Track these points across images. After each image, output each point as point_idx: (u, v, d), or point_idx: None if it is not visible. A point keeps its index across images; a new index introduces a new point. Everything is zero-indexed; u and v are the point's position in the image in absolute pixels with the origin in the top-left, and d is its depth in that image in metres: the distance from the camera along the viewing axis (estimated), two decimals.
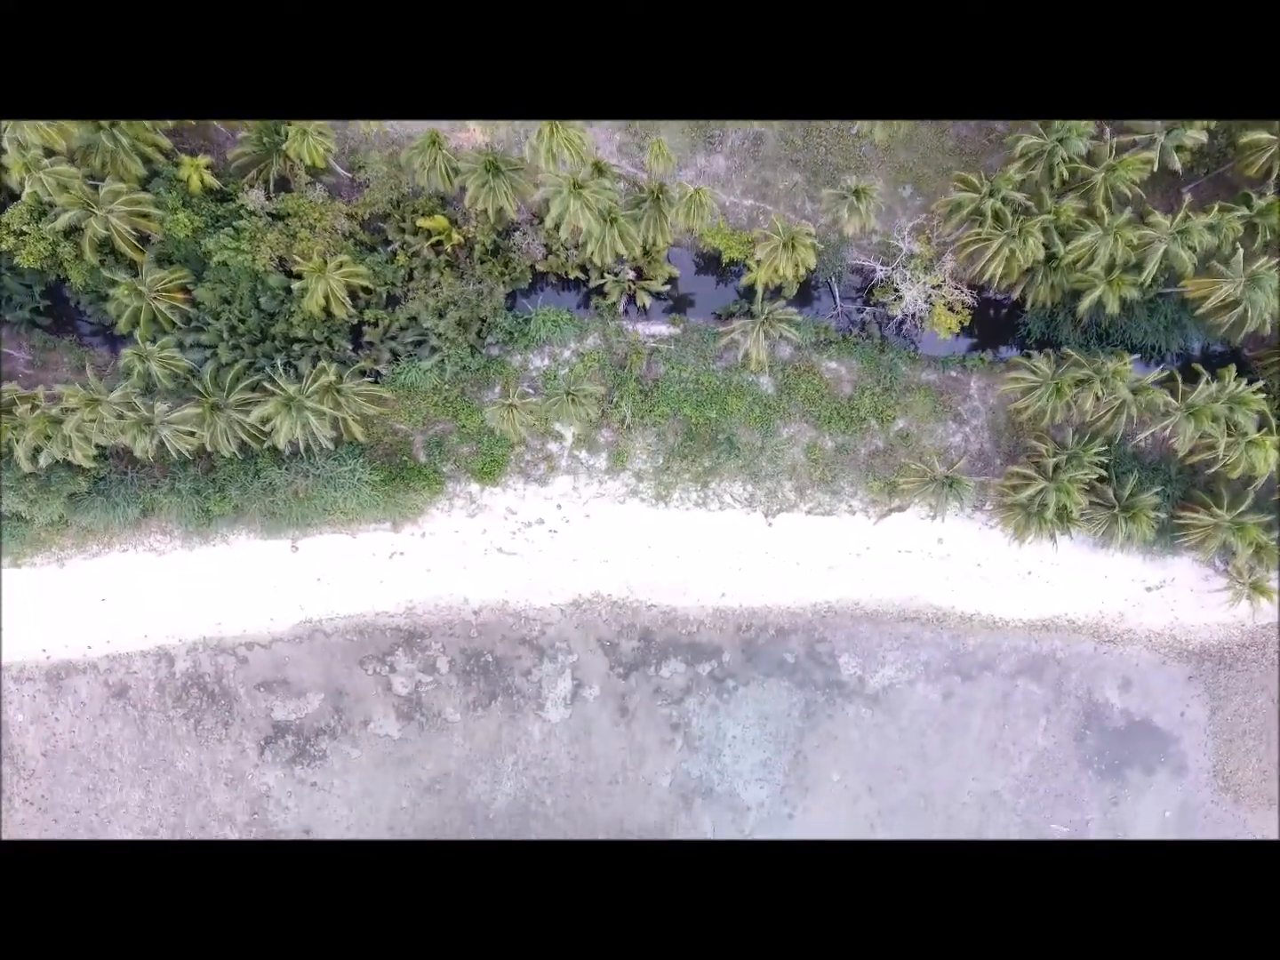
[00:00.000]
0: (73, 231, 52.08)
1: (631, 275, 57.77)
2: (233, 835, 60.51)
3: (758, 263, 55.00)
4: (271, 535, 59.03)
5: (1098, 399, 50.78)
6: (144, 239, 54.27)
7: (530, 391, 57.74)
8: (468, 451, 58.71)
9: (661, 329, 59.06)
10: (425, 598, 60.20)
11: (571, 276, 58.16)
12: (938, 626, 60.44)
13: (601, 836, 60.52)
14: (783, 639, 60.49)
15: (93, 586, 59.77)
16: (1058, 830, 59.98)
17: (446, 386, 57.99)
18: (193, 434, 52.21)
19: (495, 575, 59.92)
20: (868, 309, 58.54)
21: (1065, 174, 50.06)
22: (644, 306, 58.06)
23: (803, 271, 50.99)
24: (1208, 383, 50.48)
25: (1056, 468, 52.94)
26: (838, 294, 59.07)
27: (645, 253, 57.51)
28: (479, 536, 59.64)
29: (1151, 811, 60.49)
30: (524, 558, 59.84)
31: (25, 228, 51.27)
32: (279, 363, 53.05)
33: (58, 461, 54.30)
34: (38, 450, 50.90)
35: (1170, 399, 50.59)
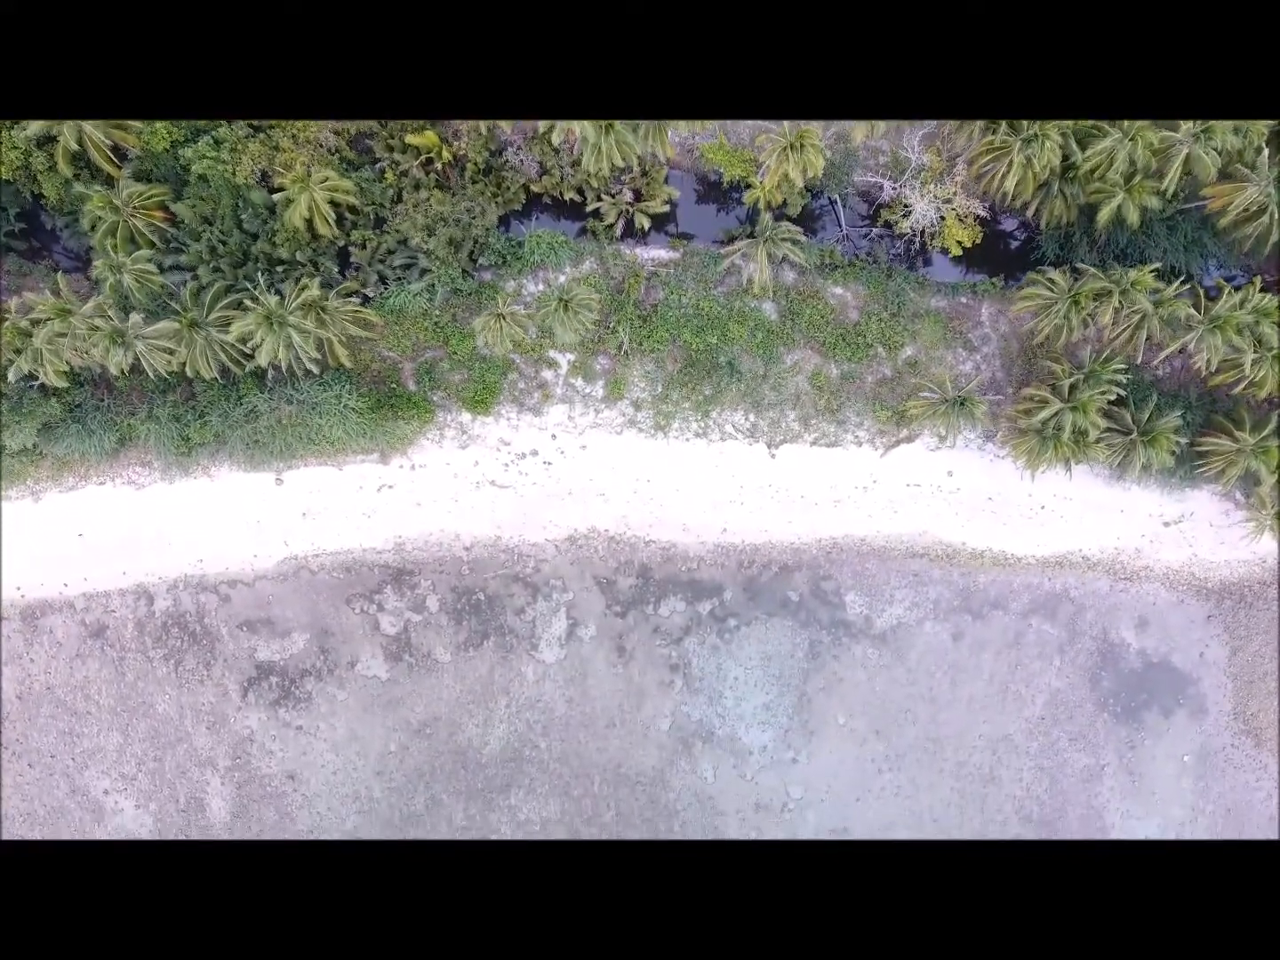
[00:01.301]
0: (46, 141, 49.92)
1: (629, 197, 55.54)
2: (214, 780, 58.24)
3: (760, 180, 52.88)
4: (255, 467, 56.74)
5: (1117, 312, 48.55)
6: (121, 154, 52.13)
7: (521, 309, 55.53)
8: (459, 379, 56.45)
9: (660, 253, 56.84)
10: (415, 533, 57.93)
11: (567, 198, 55.88)
12: (947, 563, 58.17)
13: (597, 781, 58.23)
14: (786, 576, 58.22)
15: (69, 522, 57.50)
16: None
17: (437, 311, 55.75)
18: (171, 352, 49.98)
19: (487, 509, 57.67)
20: (874, 230, 56.33)
21: None
22: (642, 229, 55.82)
23: (810, 175, 48.65)
24: (1230, 294, 48.23)
25: (1073, 388, 50.70)
26: (843, 217, 56.89)
27: (644, 173, 55.34)
28: (471, 469, 57.38)
29: (1170, 755, 58.21)
30: (517, 491, 57.59)
31: None
32: (261, 279, 50.72)
33: (30, 384, 52.30)
34: (8, 365, 48.62)
35: (1193, 311, 48.36)
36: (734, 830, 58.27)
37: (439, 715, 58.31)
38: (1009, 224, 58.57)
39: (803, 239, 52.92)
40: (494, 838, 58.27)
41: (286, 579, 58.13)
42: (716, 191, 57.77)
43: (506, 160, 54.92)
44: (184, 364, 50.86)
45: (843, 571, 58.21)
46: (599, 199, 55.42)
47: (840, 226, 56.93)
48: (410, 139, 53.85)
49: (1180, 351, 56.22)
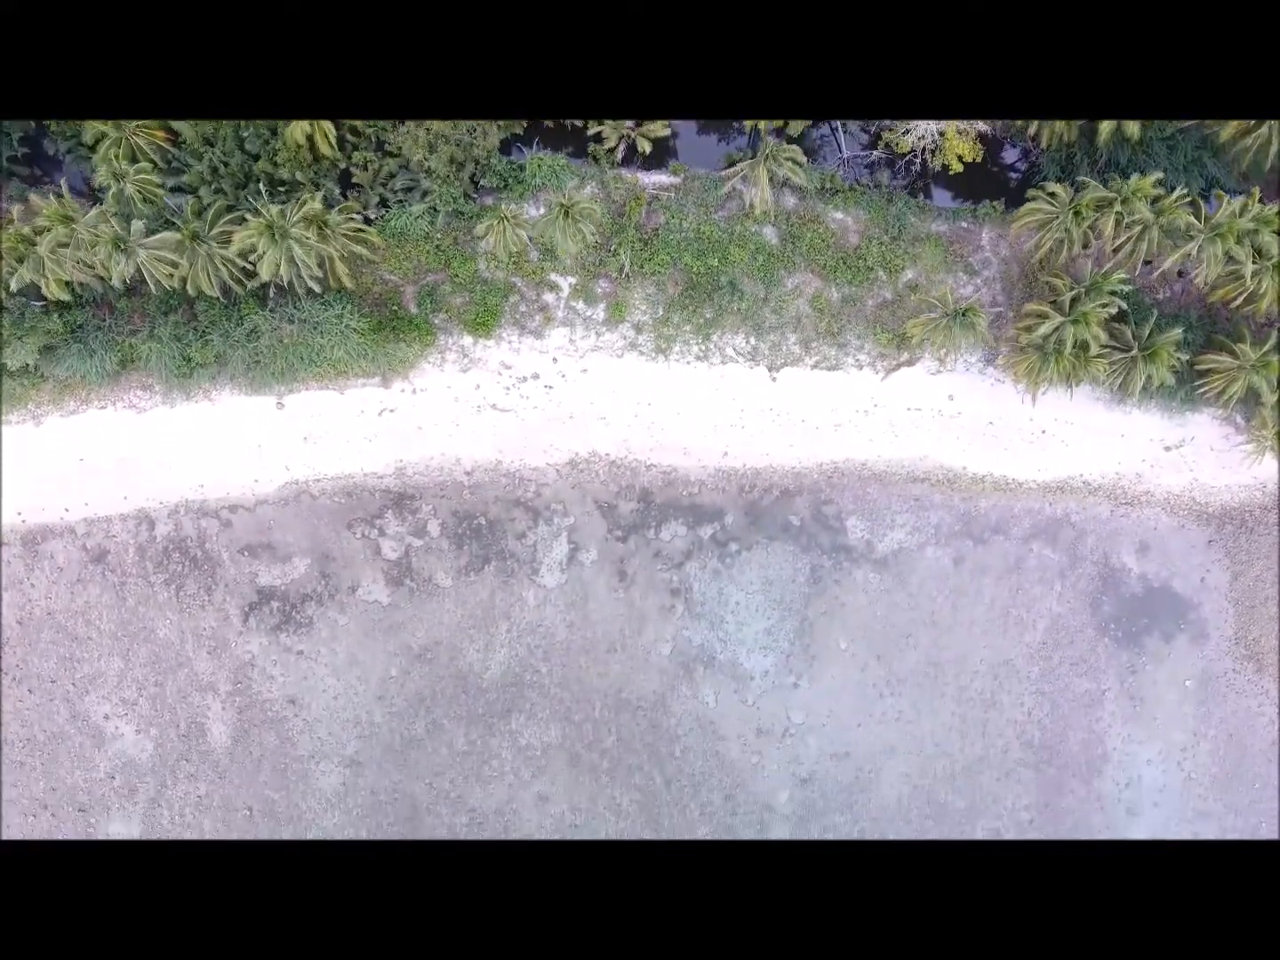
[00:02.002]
0: None
1: (630, 121, 55.62)
2: (215, 705, 58.17)
3: None
4: (256, 390, 56.78)
5: (1118, 223, 48.62)
6: None
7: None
8: (460, 302, 56.50)
9: (662, 178, 56.95)
10: (416, 458, 57.94)
11: (568, 123, 56.04)
12: (948, 488, 58.20)
13: (598, 706, 58.19)
14: (787, 501, 58.24)
15: (70, 446, 57.49)
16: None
17: (438, 235, 55.81)
18: (174, 266, 50.01)
19: (489, 433, 57.69)
20: (875, 154, 56.45)
21: None
22: (643, 153, 55.77)
23: None
24: (1229, 203, 48.32)
25: (1074, 302, 50.75)
26: (843, 143, 57.00)
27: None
28: (472, 392, 57.42)
29: (1171, 680, 58.20)
30: (518, 415, 57.62)
31: None
32: (264, 192, 50.78)
33: (32, 302, 52.41)
34: (9, 275, 48.61)
35: (1193, 220, 48.44)
36: (735, 754, 58.24)
37: (440, 640, 58.30)
38: (1010, 155, 58.84)
39: (803, 159, 52.96)
40: (495, 762, 58.21)
41: (287, 504, 58.13)
42: (717, 120, 57.87)
43: None
44: (185, 280, 50.96)
45: (844, 496, 58.23)
46: (600, 123, 55.52)
47: (840, 152, 57.07)
48: None
49: (1180, 276, 56.64)
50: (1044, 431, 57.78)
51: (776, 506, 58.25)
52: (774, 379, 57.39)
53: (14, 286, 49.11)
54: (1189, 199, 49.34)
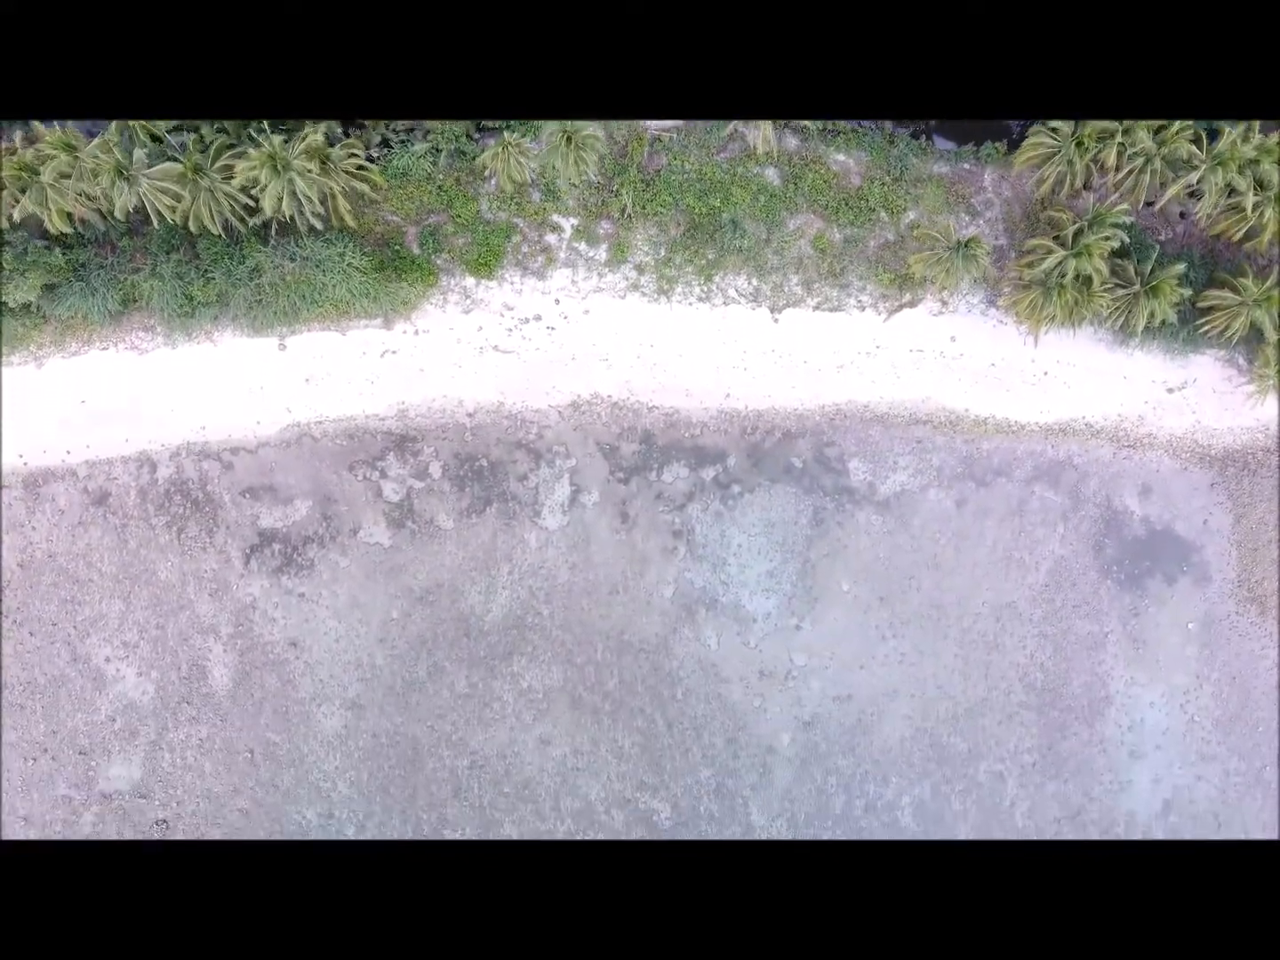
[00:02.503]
0: None
1: None
2: (216, 648, 58.08)
3: None
4: (258, 331, 56.74)
5: (1121, 153, 48.65)
6: None
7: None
8: (462, 243, 56.49)
9: (663, 120, 56.89)
10: (418, 399, 57.91)
11: None
12: (951, 430, 58.17)
13: (600, 648, 58.12)
14: (790, 443, 58.21)
15: (72, 388, 57.45)
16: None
17: (441, 175, 55.82)
18: (176, 199, 50.00)
19: (491, 375, 57.67)
20: None
21: None
22: None
23: None
24: (1230, 133, 48.33)
25: (1077, 235, 50.75)
26: None
27: None
28: (474, 334, 57.39)
29: (1174, 623, 58.11)
30: (521, 356, 57.60)
31: None
32: (266, 126, 50.76)
33: (34, 237, 52.46)
34: (12, 206, 48.59)
35: (1194, 149, 48.47)
36: (738, 696, 58.15)
37: (441, 582, 58.23)
38: None
39: None
40: (496, 705, 58.13)
41: (289, 446, 58.07)
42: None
43: None
44: (187, 215, 51.01)
45: (846, 438, 58.19)
46: None
47: None
48: None
49: (1182, 217, 56.68)
50: (1046, 373, 57.76)
51: (779, 448, 58.22)
52: (776, 320, 57.38)
53: (16, 217, 49.08)
54: (1191, 132, 49.29)
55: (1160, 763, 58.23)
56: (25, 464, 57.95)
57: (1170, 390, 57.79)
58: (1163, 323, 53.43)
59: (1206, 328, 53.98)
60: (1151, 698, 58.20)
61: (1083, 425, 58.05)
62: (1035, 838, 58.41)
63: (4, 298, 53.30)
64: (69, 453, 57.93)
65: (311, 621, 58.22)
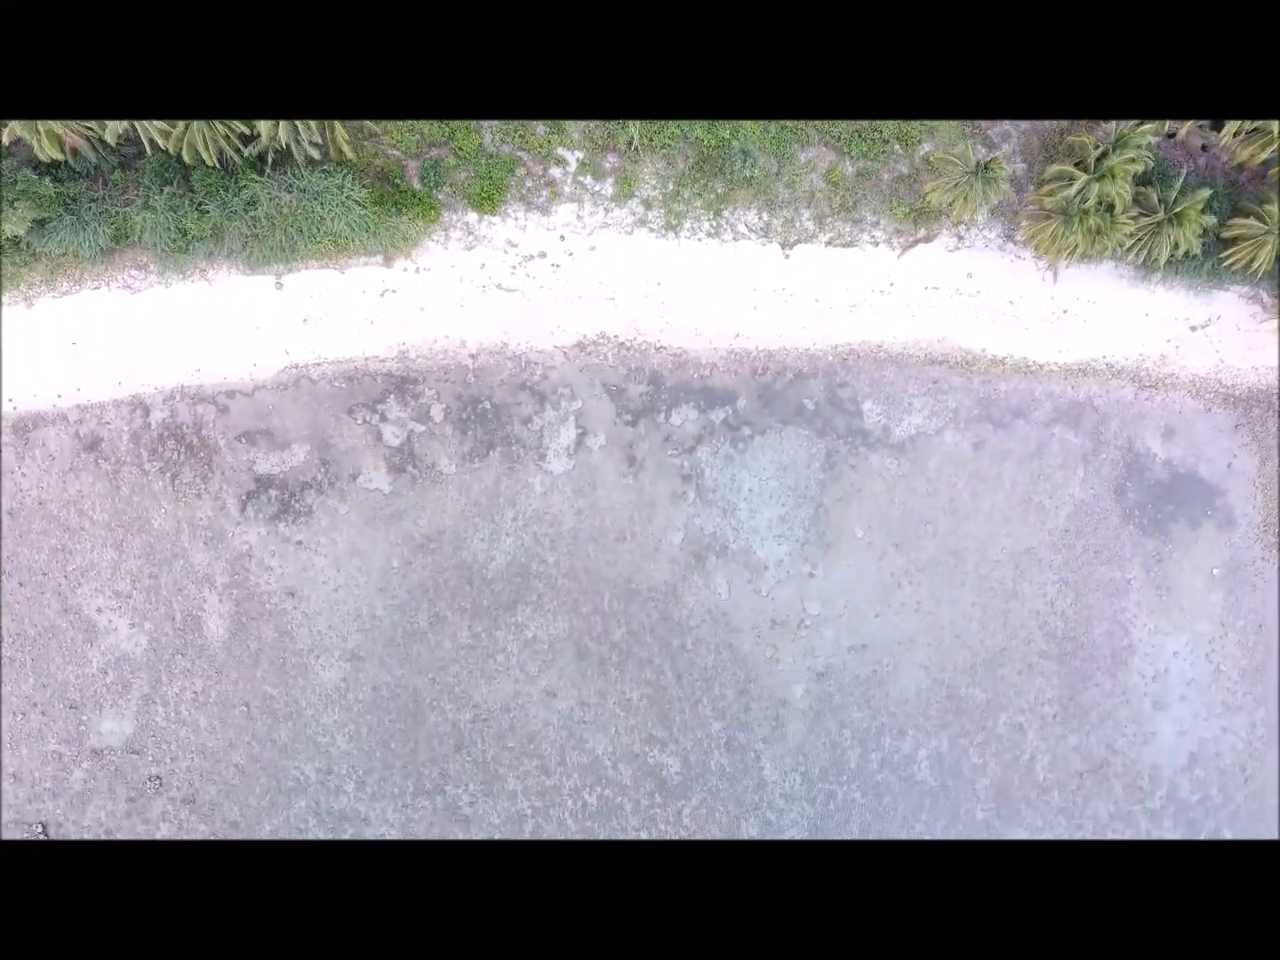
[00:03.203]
0: None
1: None
2: (211, 598, 56.31)
3: None
4: (254, 269, 55.07)
5: None
6: None
7: None
8: (465, 177, 54.85)
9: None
10: (419, 340, 56.24)
11: None
12: (967, 370, 56.54)
13: (607, 597, 56.38)
14: (801, 383, 56.56)
15: (63, 329, 55.75)
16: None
17: None
18: (170, 126, 48.35)
19: (494, 314, 56.01)
20: None
21: None
22: None
23: None
24: None
25: (1100, 159, 49.15)
26: None
27: None
28: (477, 271, 55.74)
29: (1198, 569, 56.44)
30: (525, 295, 55.96)
31: None
32: None
33: (23, 164, 50.85)
34: (1, 128, 46.96)
35: None
36: (749, 647, 56.41)
37: (443, 529, 56.51)
38: None
39: None
40: (500, 657, 56.37)
41: (286, 389, 56.39)
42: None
43: None
44: (181, 142, 49.37)
45: (859, 379, 56.56)
46: None
47: None
48: None
49: (1204, 150, 55.07)
50: (1066, 311, 56.15)
51: (790, 390, 56.57)
52: (787, 256, 55.77)
53: (5, 140, 47.43)
54: None
55: (1185, 714, 56.49)
56: (15, 408, 56.20)
57: (1193, 328, 56.17)
58: (1186, 254, 51.89)
59: (1230, 260, 52.41)
60: (1175, 646, 56.46)
61: (1103, 365, 56.42)
62: (1057, 791, 56.67)
63: None
64: (59, 396, 56.24)
65: (309, 570, 56.47)
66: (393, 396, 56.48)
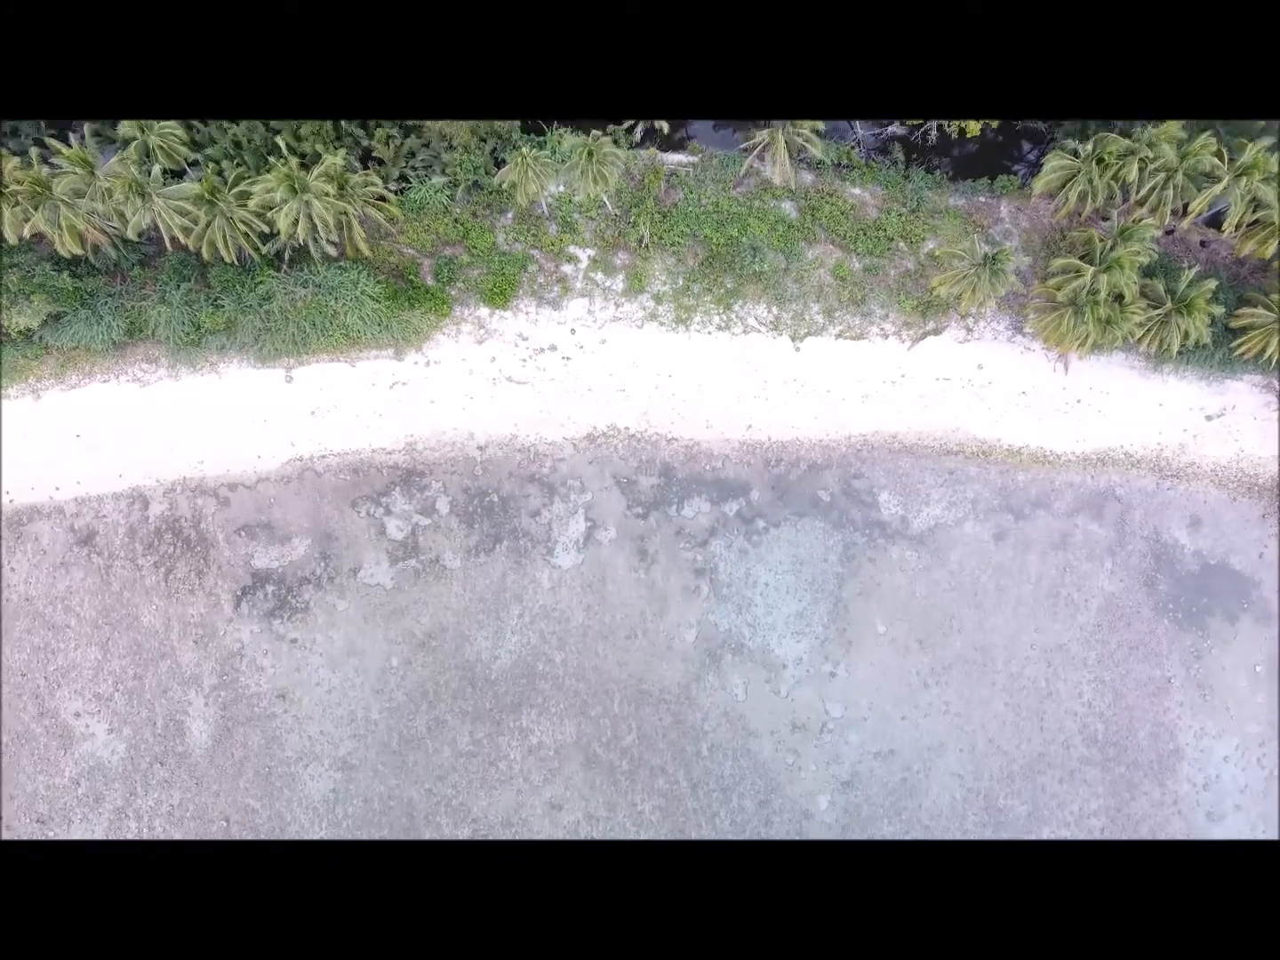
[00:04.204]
0: None
1: None
2: (197, 700, 53.14)
3: None
4: (265, 362, 55.10)
5: (1143, 168, 48.43)
6: None
7: (543, 208, 55.58)
8: (478, 273, 55.72)
9: (680, 157, 57.49)
10: (427, 432, 55.57)
11: None
12: (983, 460, 55.53)
13: (617, 699, 53.17)
14: (816, 475, 55.42)
15: (68, 421, 55.27)
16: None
17: (458, 208, 55.71)
18: (192, 222, 49.37)
19: (504, 406, 55.57)
20: (888, 130, 57.27)
21: None
22: (662, 131, 56.63)
23: None
24: (1253, 145, 48.22)
25: (1105, 251, 49.84)
26: (857, 124, 57.88)
27: None
28: (487, 364, 55.71)
29: (1240, 665, 53.45)
30: (535, 387, 55.68)
31: None
32: (283, 147, 50.85)
33: (42, 256, 51.72)
34: (24, 221, 47.82)
35: (1217, 160, 48.23)
36: (769, 753, 52.70)
37: (446, 626, 53.98)
38: (1026, 143, 59.88)
39: (821, 126, 53.46)
40: (503, 764, 52.61)
41: (290, 481, 55.27)
42: (714, 120, 59.00)
43: None
44: (201, 238, 50.29)
45: (874, 469, 55.46)
46: None
47: (855, 130, 57.88)
48: None
49: (1203, 246, 56.15)
50: (1079, 401, 55.71)
51: (804, 481, 55.38)
52: (798, 349, 55.87)
53: (26, 233, 48.25)
54: (1214, 146, 49.15)
55: (1242, 824, 52.15)
56: (11, 501, 54.94)
57: (1209, 417, 55.57)
58: (1197, 344, 51.85)
59: (1242, 349, 52.36)
60: (1225, 750, 52.79)
61: (1122, 454, 55.47)
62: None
63: (5, 325, 51.89)
64: (58, 489, 55.06)
65: (303, 670, 53.57)
66: (398, 489, 55.26)
